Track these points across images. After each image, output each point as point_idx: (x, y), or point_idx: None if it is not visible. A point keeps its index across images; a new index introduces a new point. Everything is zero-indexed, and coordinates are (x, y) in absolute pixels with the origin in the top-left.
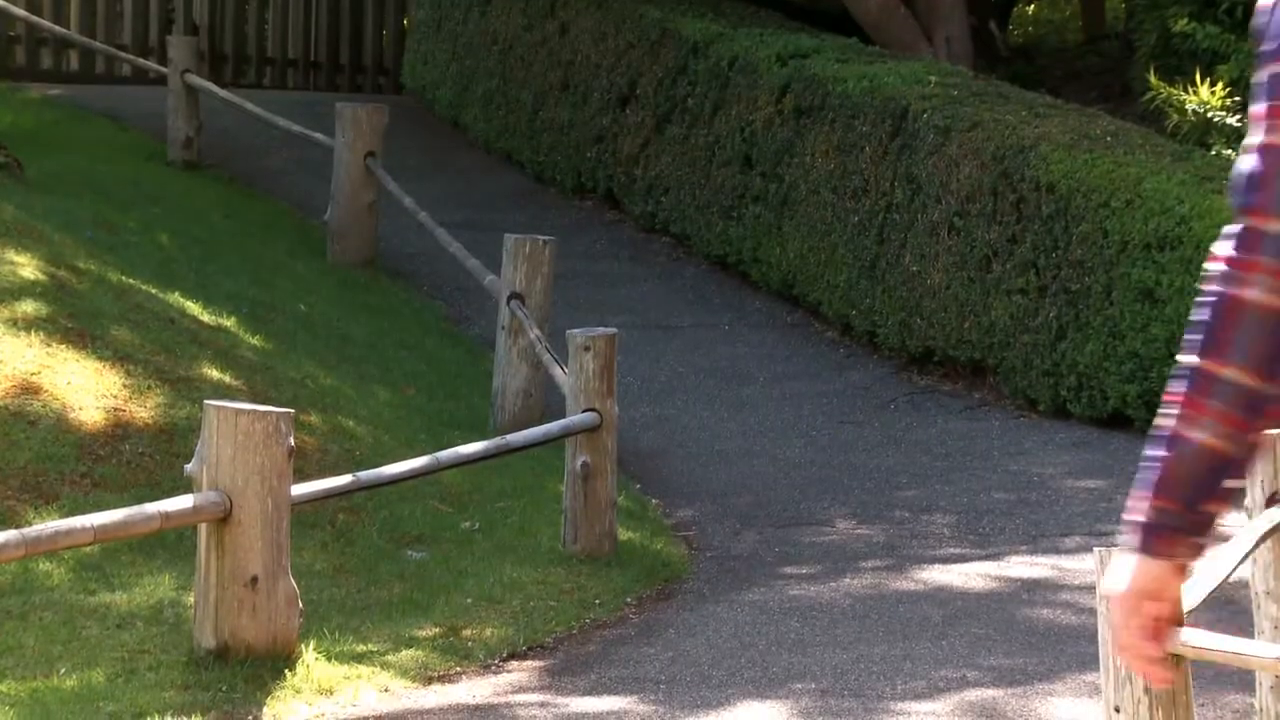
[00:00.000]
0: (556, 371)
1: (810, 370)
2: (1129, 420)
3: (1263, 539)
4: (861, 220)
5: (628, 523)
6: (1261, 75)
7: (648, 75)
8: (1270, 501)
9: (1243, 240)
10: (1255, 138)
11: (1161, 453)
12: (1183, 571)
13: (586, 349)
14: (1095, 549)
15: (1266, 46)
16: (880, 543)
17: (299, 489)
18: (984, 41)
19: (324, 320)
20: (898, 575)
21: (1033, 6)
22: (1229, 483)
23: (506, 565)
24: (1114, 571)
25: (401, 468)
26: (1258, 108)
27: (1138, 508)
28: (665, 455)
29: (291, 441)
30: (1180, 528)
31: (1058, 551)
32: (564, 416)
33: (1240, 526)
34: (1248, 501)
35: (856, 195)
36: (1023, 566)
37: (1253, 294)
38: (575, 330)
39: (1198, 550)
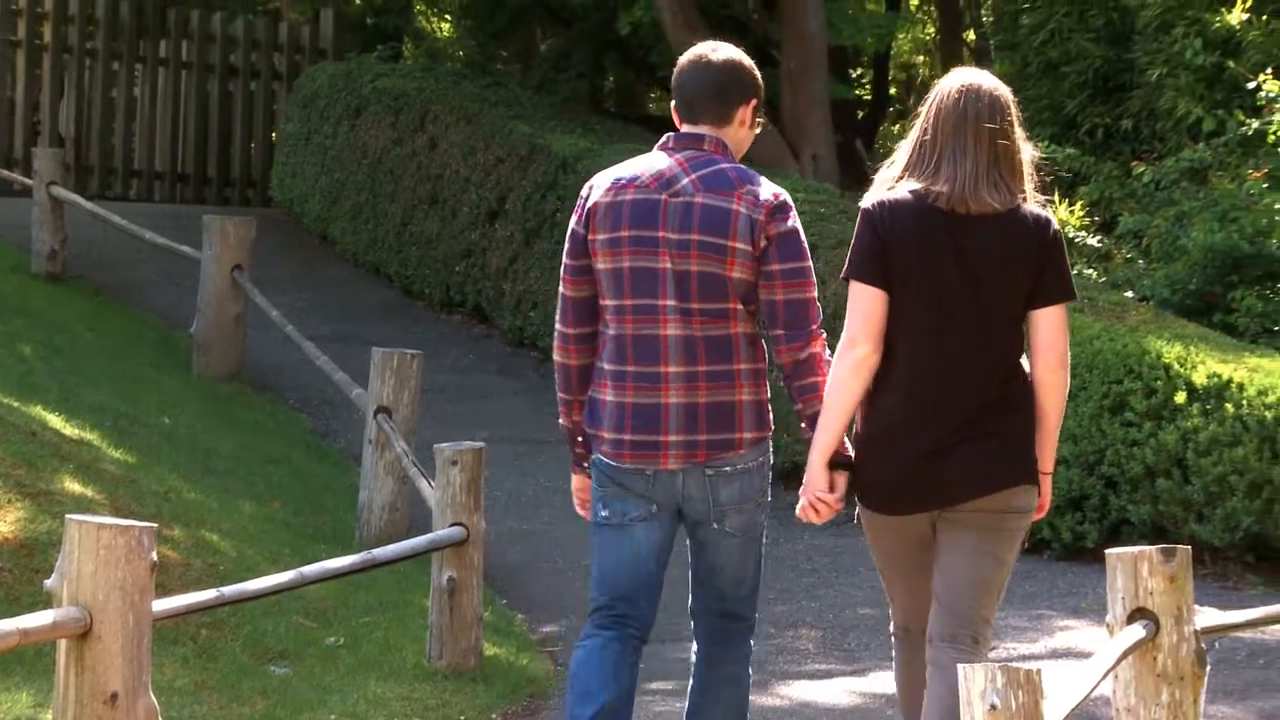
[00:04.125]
0: (423, 485)
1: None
2: None
3: (1124, 655)
4: None
5: (493, 638)
6: None
7: (517, 190)
8: (1131, 618)
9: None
10: None
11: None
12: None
13: (454, 463)
14: (958, 664)
15: None
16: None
17: (161, 604)
18: (850, 159)
19: (189, 433)
20: (763, 691)
21: (898, 126)
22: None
23: (371, 681)
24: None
25: (266, 582)
26: None
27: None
28: (532, 570)
29: (154, 556)
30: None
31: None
32: (430, 531)
33: (1102, 643)
34: (1109, 618)
35: None
36: (888, 682)
37: None
38: (443, 444)
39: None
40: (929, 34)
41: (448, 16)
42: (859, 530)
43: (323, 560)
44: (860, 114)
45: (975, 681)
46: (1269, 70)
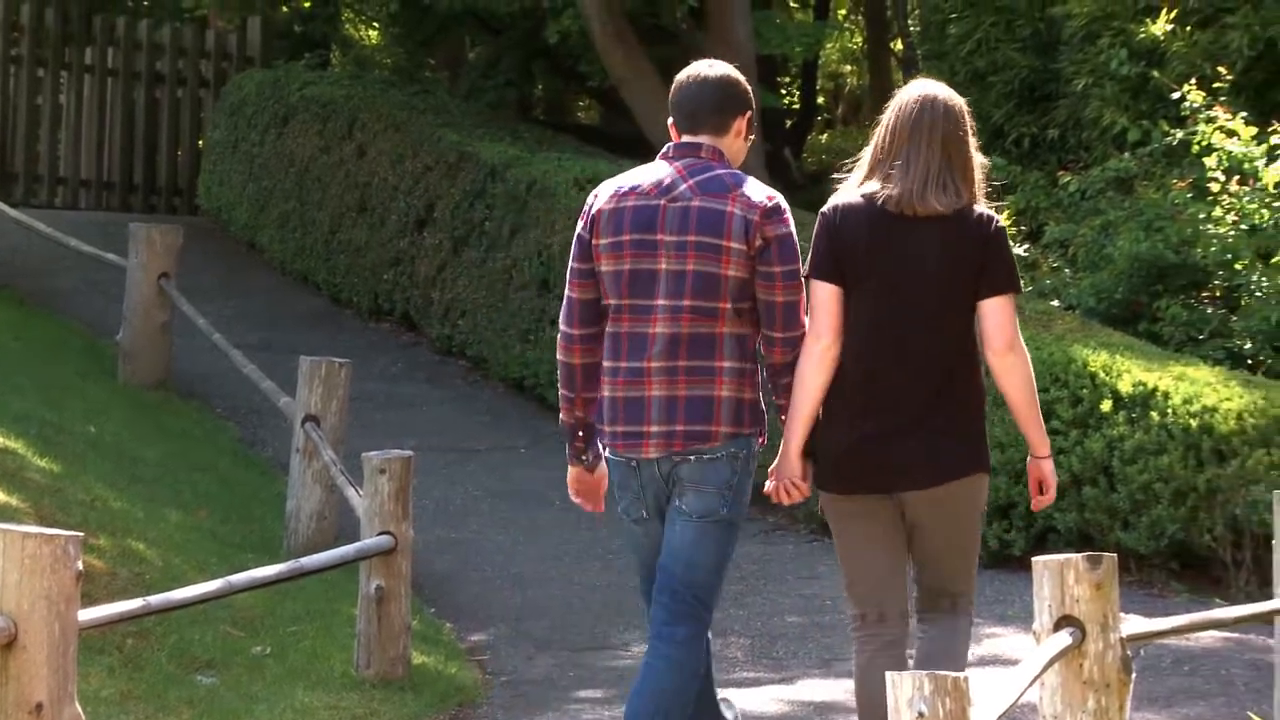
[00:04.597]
0: (351, 494)
1: (607, 493)
2: None
3: (1051, 663)
4: None
5: (422, 647)
6: None
7: (445, 198)
8: (1058, 625)
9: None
10: None
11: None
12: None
13: (382, 471)
14: (886, 673)
15: None
16: None
17: (87, 614)
18: (779, 168)
19: (115, 442)
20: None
21: (825, 135)
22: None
23: (298, 690)
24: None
25: (193, 591)
26: None
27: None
28: (460, 579)
29: (80, 565)
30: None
31: (850, 675)
32: (358, 540)
33: (1029, 650)
34: (1036, 625)
35: None
36: (816, 689)
37: None
38: (371, 453)
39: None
40: (857, 43)
41: (375, 24)
42: (783, 538)
43: (250, 569)
44: (788, 123)
45: (903, 689)
46: (1193, 81)
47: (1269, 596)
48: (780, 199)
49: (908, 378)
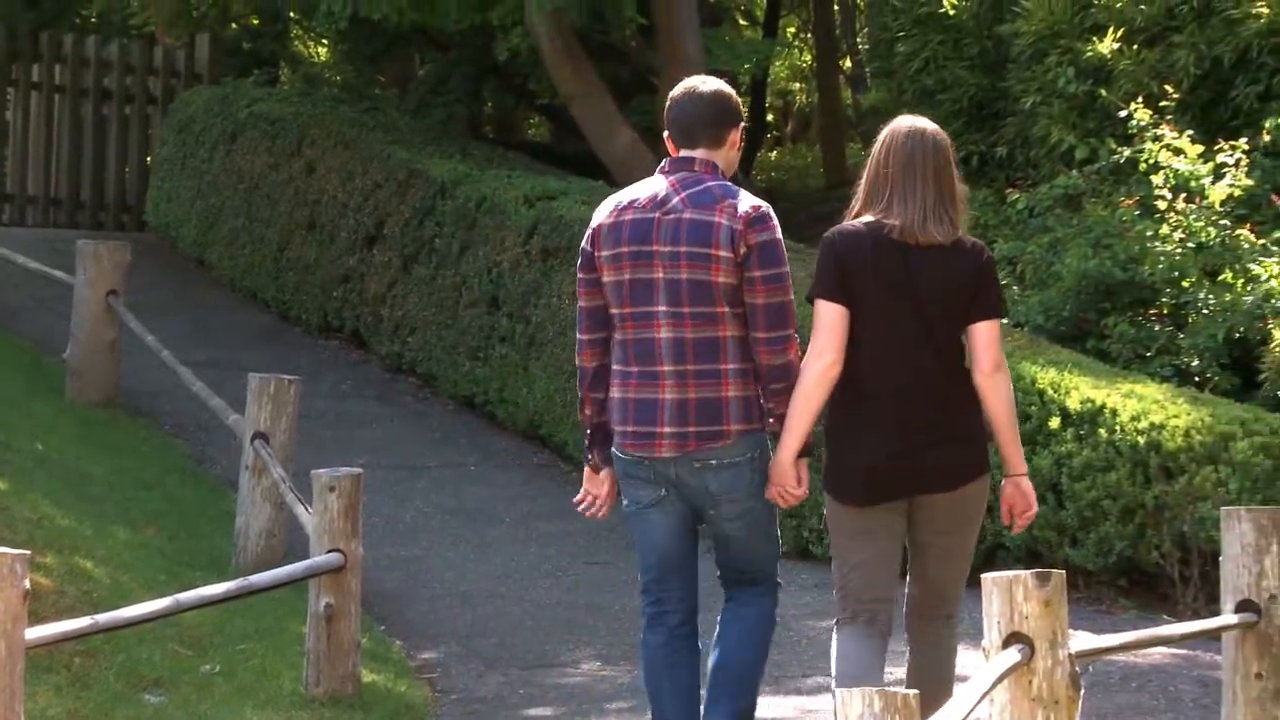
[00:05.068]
0: (300, 511)
1: (557, 511)
2: None
3: (1000, 679)
4: None
5: (371, 665)
6: None
7: (395, 215)
8: (1007, 642)
9: None
10: None
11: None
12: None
13: (331, 489)
14: (836, 690)
15: None
16: (625, 684)
17: (34, 632)
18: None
19: (62, 459)
20: (642, 716)
21: (775, 152)
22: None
23: (247, 709)
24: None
25: (141, 609)
26: None
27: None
28: (410, 596)
29: (27, 583)
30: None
31: (799, 692)
32: (308, 557)
33: (978, 667)
34: (985, 642)
35: None
36: (765, 707)
37: None
38: (320, 470)
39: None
40: (806, 61)
41: (324, 41)
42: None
43: (199, 587)
44: None
45: (853, 706)
46: (1140, 99)
47: (1216, 613)
48: (766, 208)
49: (923, 393)
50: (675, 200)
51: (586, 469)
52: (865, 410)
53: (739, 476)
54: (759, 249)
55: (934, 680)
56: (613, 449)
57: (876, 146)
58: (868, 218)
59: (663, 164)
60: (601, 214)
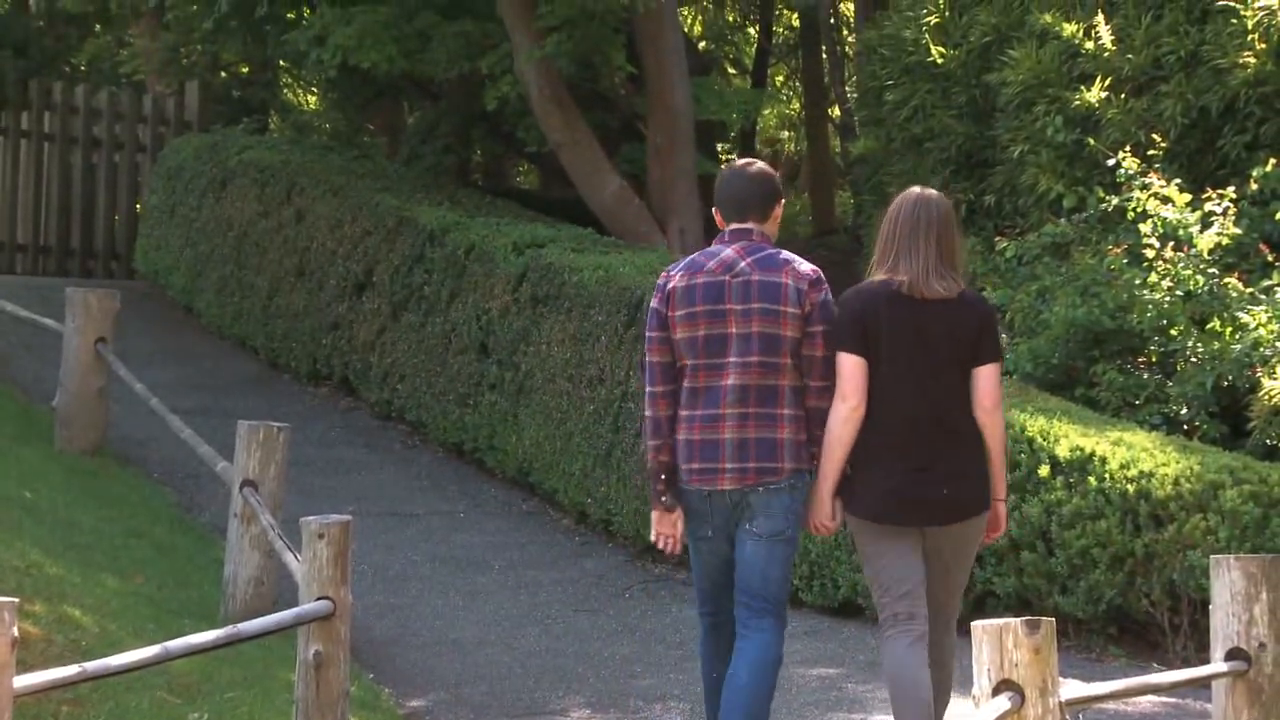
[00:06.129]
0: (289, 559)
1: (546, 558)
2: (859, 609)
3: None
4: (597, 409)
5: (360, 713)
6: None
7: (384, 262)
8: (997, 690)
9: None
10: None
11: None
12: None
13: (320, 536)
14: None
15: None
16: None
17: (22, 680)
18: (716, 231)
19: (50, 507)
20: None
21: None
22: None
23: None
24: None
25: (129, 658)
26: None
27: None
28: (399, 644)
29: (15, 631)
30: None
31: None
32: (297, 605)
33: (968, 715)
34: (975, 689)
35: (592, 384)
36: None
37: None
38: (309, 517)
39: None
40: (794, 109)
41: (314, 89)
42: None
43: (187, 635)
44: None
45: None
46: (1128, 148)
47: (1206, 661)
48: (819, 272)
49: (925, 428)
50: (742, 265)
51: (658, 510)
52: (883, 442)
53: (779, 498)
54: (820, 307)
55: (935, 681)
56: (681, 485)
57: (888, 213)
58: (880, 276)
59: (721, 235)
60: (674, 278)
